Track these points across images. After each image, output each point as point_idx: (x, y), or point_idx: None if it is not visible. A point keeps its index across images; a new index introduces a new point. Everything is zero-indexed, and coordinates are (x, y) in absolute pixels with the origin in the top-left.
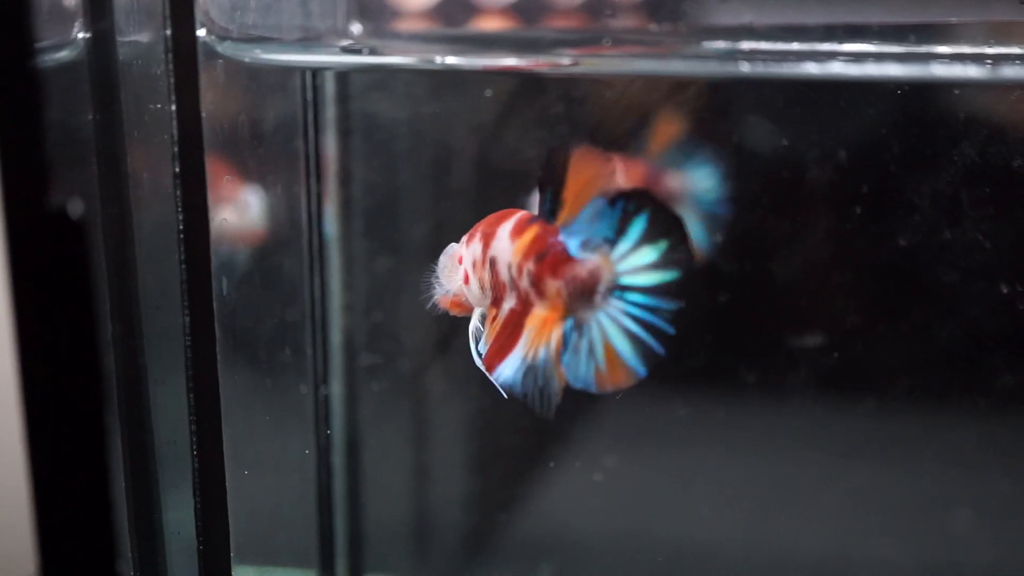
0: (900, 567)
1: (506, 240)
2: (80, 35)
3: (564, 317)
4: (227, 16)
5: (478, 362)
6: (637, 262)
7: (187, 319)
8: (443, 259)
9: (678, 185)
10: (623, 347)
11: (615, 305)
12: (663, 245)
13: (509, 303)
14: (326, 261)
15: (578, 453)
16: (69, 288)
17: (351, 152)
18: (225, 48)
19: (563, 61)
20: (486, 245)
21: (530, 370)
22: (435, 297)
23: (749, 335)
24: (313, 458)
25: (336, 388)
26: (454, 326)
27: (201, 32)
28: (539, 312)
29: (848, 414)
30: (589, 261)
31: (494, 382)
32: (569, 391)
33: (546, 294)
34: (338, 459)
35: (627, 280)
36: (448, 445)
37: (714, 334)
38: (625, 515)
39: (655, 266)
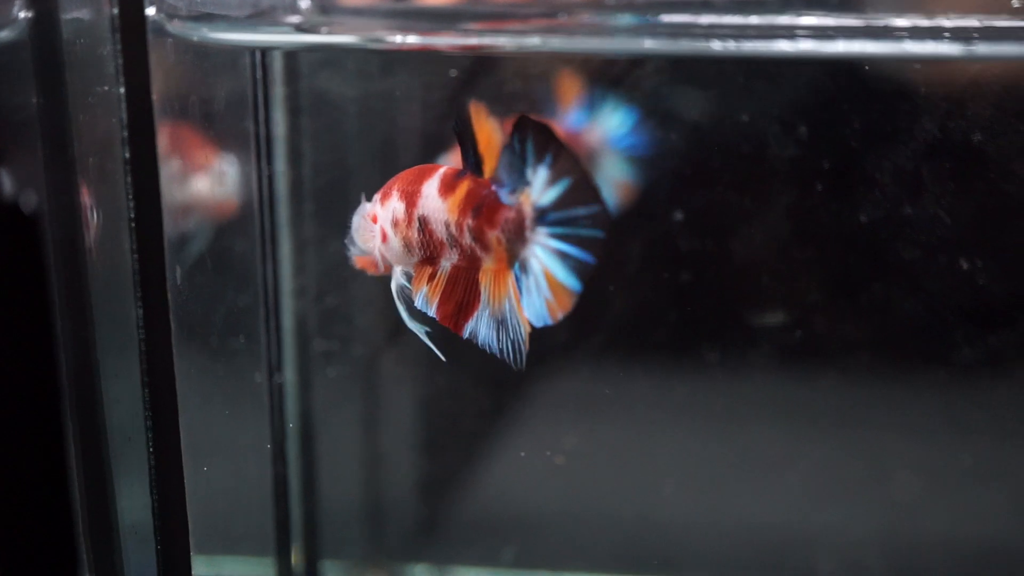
0: (862, 538)
1: (436, 198)
2: (21, 14)
3: (510, 264)
4: None
5: (408, 320)
6: (542, 181)
7: (140, 310)
8: (356, 219)
9: (592, 137)
10: (558, 270)
11: (542, 233)
12: (549, 158)
13: (450, 259)
14: (278, 244)
15: (537, 432)
16: (18, 282)
17: (302, 132)
18: (174, 27)
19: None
20: (411, 204)
21: (501, 324)
22: (351, 257)
23: (709, 310)
24: (268, 446)
25: (289, 375)
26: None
27: (150, 11)
28: (488, 265)
29: (810, 387)
30: (515, 199)
31: (468, 337)
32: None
33: (488, 246)
34: (293, 446)
35: (542, 203)
36: (403, 428)
37: (675, 310)
38: (585, 493)
39: (553, 179)
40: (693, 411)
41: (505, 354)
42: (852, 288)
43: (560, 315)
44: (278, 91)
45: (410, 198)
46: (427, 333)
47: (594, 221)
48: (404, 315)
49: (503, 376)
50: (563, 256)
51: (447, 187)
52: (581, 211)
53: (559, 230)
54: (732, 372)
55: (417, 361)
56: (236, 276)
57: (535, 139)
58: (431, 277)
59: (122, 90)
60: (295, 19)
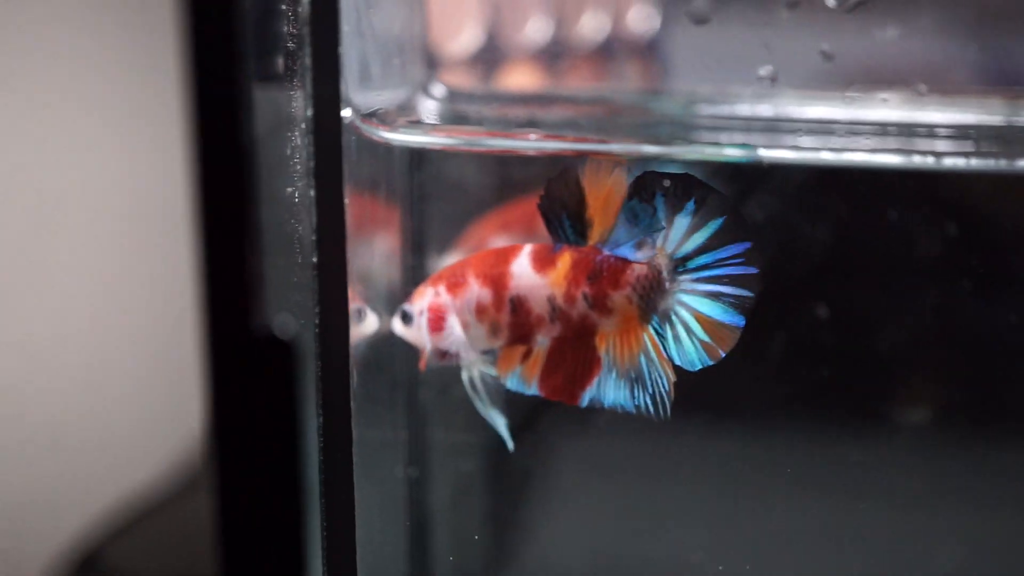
0: None
1: (531, 276)
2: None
3: (645, 318)
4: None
5: (484, 409)
6: (680, 230)
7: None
8: (413, 315)
9: None
10: (713, 311)
11: (685, 280)
12: (691, 205)
13: (549, 334)
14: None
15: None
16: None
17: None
18: (364, 127)
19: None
20: (499, 286)
21: (636, 380)
22: (422, 359)
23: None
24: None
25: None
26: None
27: (346, 112)
28: (608, 328)
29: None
30: (645, 258)
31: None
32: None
33: (613, 309)
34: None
35: (682, 252)
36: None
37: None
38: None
39: (697, 227)
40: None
41: (644, 409)
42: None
43: (722, 353)
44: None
45: (497, 281)
46: (506, 424)
47: (746, 258)
48: (480, 405)
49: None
50: (717, 296)
51: (542, 262)
52: (734, 249)
53: (707, 273)
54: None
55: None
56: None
57: (672, 191)
58: (524, 356)
59: (312, 193)
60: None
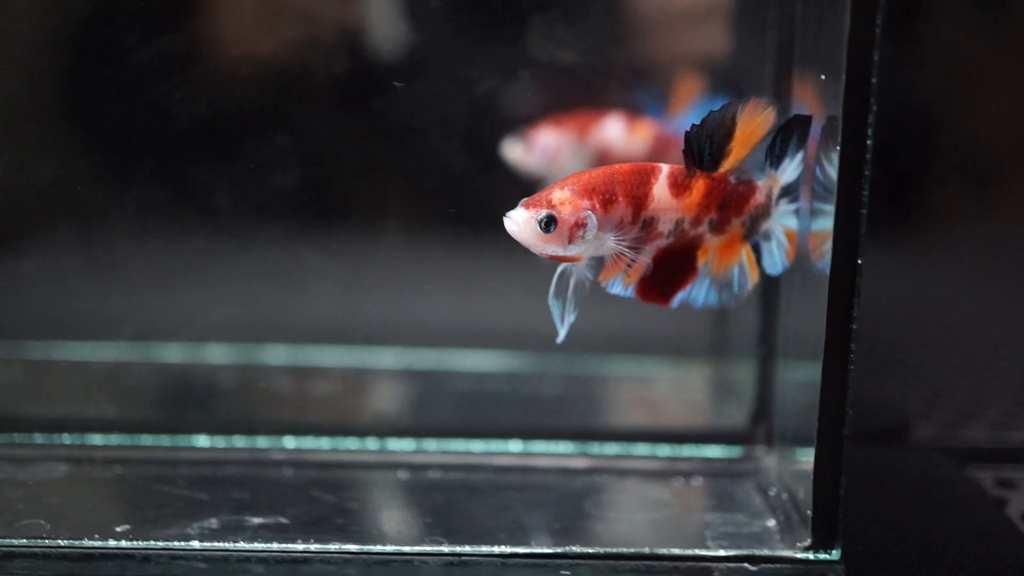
0: None
1: (668, 199)
2: None
3: (748, 236)
4: None
5: (554, 297)
6: (795, 163)
7: None
8: (548, 227)
9: None
10: (792, 223)
11: (784, 204)
12: (801, 144)
13: (656, 245)
14: None
15: None
16: None
17: None
18: None
19: None
20: (639, 207)
21: (724, 287)
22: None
23: None
24: None
25: None
26: None
27: None
28: (712, 243)
29: None
30: (763, 186)
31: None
32: None
33: (727, 230)
34: None
35: (788, 181)
36: None
37: None
38: None
39: (804, 160)
40: None
41: (725, 306)
42: None
43: (793, 255)
44: None
45: (639, 201)
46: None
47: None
48: (555, 294)
49: None
50: (798, 211)
51: (679, 187)
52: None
53: (796, 192)
54: None
55: None
56: None
57: (801, 132)
58: (629, 264)
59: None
60: None
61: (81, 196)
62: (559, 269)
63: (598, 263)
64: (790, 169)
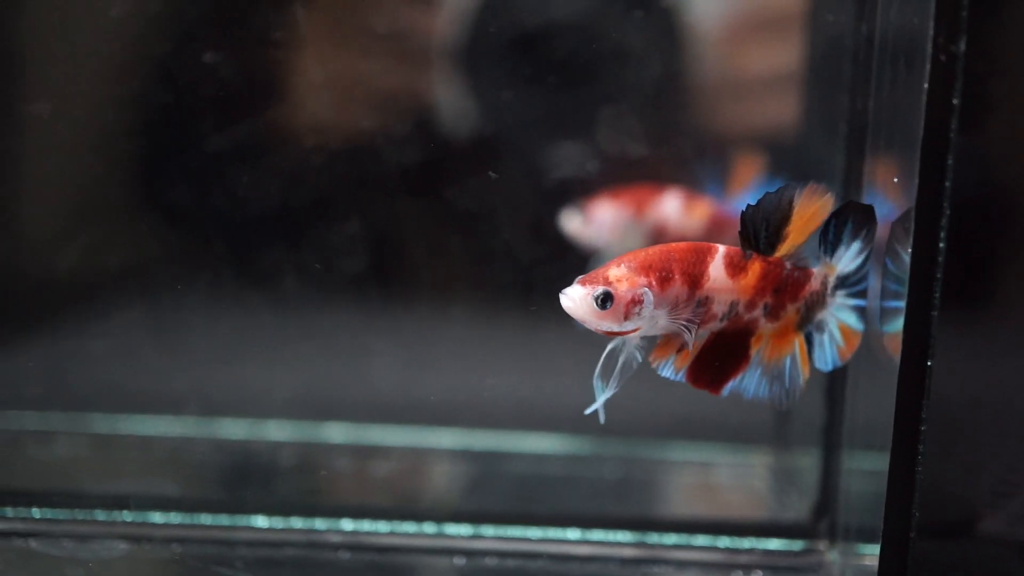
0: None
1: (724, 280)
2: None
3: (802, 326)
4: None
5: (600, 377)
6: (852, 254)
7: None
8: (605, 304)
9: None
10: (853, 320)
11: (841, 296)
12: (866, 232)
13: (711, 329)
14: None
15: None
16: None
17: None
18: None
19: None
20: (695, 286)
21: (775, 378)
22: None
23: None
24: None
25: None
26: None
27: None
28: (766, 331)
29: None
30: (818, 274)
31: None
32: None
33: (782, 317)
34: None
35: (846, 271)
36: None
37: None
38: None
39: (864, 250)
40: None
41: (776, 400)
42: None
43: (849, 355)
44: None
45: (695, 280)
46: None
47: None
48: (601, 373)
49: None
50: (859, 309)
51: (735, 268)
52: (870, 268)
53: (857, 288)
54: None
55: None
56: None
57: (857, 219)
58: (681, 346)
59: None
60: None
61: (152, 276)
62: (608, 347)
63: (649, 344)
64: (846, 258)
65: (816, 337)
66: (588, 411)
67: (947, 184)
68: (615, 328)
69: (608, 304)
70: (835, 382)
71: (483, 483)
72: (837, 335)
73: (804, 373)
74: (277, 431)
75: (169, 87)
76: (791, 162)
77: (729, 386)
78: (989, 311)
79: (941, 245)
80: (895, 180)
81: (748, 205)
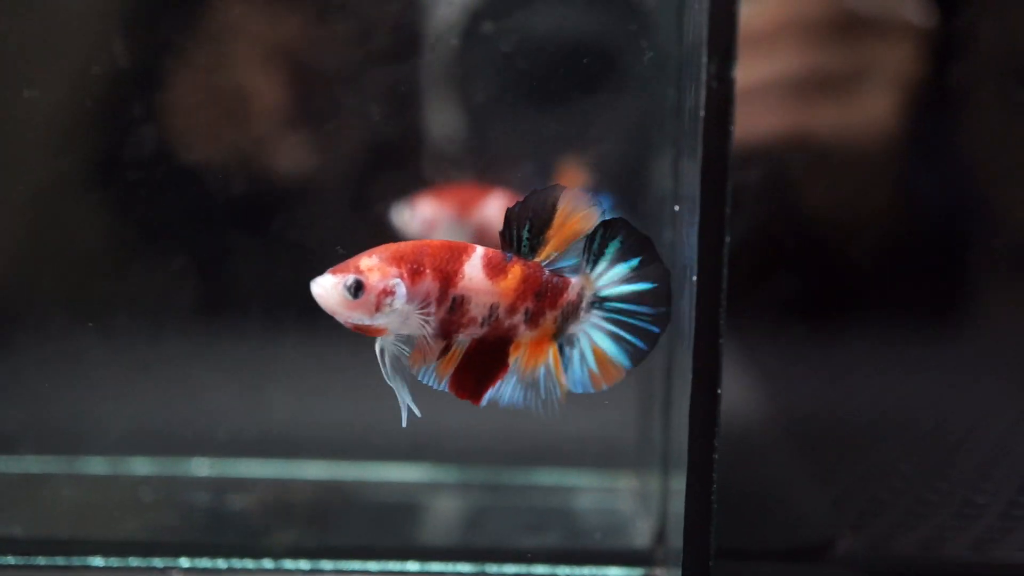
0: None
1: (481, 280)
2: None
3: (555, 337)
4: None
5: (390, 379)
6: (614, 276)
7: None
8: (357, 293)
9: None
10: (610, 348)
11: (596, 315)
12: (635, 262)
13: (471, 335)
14: None
15: None
16: None
17: None
18: None
19: None
20: (448, 284)
21: (530, 387)
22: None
23: None
24: None
25: None
26: None
27: None
28: (525, 339)
29: None
30: (576, 284)
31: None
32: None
33: (541, 324)
34: None
35: (605, 292)
36: None
37: None
38: None
39: (630, 279)
40: None
41: (534, 408)
42: None
43: (604, 387)
44: None
45: (448, 278)
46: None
47: (655, 320)
48: (388, 374)
49: None
50: (617, 338)
51: (494, 269)
52: (648, 310)
53: (619, 317)
54: None
55: None
56: None
57: (627, 242)
58: (442, 353)
59: None
60: None
61: None
62: (376, 349)
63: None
64: (606, 277)
65: (567, 351)
66: (404, 423)
67: (727, 210)
68: (366, 321)
69: (360, 293)
70: (672, 401)
71: (327, 514)
72: (590, 357)
73: (560, 386)
74: (97, 467)
75: None
76: (617, 170)
77: (488, 395)
78: (780, 336)
79: (724, 271)
80: (675, 208)
81: (516, 203)
